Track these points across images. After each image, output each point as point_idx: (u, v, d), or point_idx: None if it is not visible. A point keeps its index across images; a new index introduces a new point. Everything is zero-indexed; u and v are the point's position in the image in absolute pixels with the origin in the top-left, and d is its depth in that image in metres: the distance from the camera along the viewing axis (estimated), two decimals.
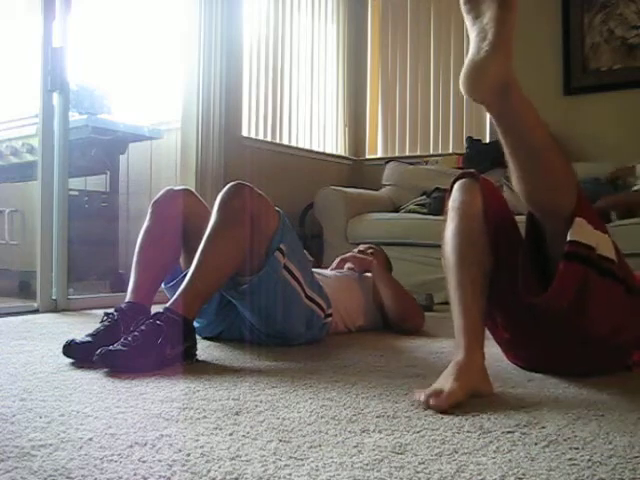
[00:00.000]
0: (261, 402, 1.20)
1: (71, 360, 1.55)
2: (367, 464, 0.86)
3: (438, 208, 3.51)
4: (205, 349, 1.78)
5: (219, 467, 0.83)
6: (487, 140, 4.24)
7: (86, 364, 1.49)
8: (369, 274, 2.29)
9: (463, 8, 1.20)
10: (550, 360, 1.49)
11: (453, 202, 1.43)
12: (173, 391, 1.27)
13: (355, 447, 0.93)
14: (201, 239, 1.65)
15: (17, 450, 0.89)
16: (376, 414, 1.13)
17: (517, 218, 1.48)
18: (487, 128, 4.37)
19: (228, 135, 3.64)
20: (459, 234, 1.38)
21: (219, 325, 1.97)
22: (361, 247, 2.48)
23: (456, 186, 1.45)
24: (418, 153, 4.69)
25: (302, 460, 0.87)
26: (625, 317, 1.40)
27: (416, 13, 4.73)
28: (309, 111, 4.57)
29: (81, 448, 0.90)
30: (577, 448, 0.94)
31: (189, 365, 1.54)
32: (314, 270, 2.02)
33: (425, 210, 3.71)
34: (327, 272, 2.28)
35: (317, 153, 4.60)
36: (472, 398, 1.20)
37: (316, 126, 4.65)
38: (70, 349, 1.55)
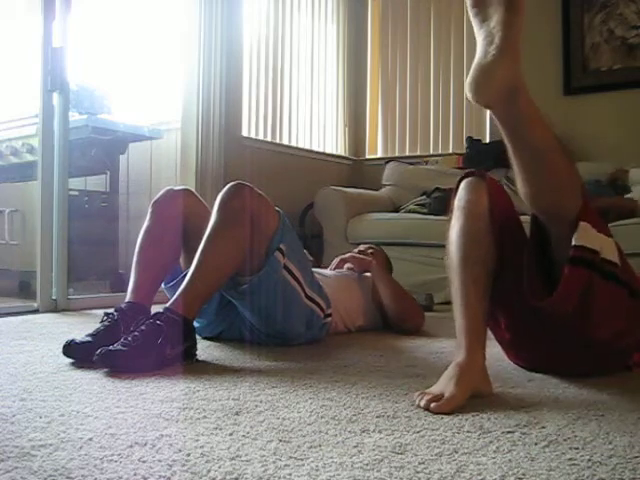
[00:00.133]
0: (261, 402, 1.20)
1: (71, 360, 1.55)
2: (367, 464, 0.86)
3: (438, 208, 3.51)
4: (205, 349, 1.78)
5: (219, 467, 0.83)
6: (487, 140, 4.24)
7: (86, 364, 1.48)
8: (369, 274, 2.29)
9: (470, 12, 1.18)
10: (551, 361, 1.48)
11: (459, 201, 1.42)
12: (173, 391, 1.27)
13: (355, 447, 0.93)
14: (201, 239, 1.65)
15: (17, 450, 0.89)
16: (376, 414, 1.13)
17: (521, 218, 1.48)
18: (487, 128, 4.37)
19: (228, 135, 3.64)
20: (465, 233, 1.37)
21: (219, 325, 1.97)
22: (361, 247, 2.47)
23: (462, 185, 1.43)
24: (418, 153, 4.69)
25: (302, 460, 0.87)
26: (628, 320, 1.40)
27: (416, 13, 4.73)
28: (309, 111, 4.57)
29: (81, 448, 0.90)
30: (577, 448, 0.94)
31: (189, 365, 1.54)
32: (314, 270, 2.02)
33: (425, 210, 3.70)
34: (327, 272, 2.28)
35: (317, 153, 4.60)
36: (472, 398, 1.20)
37: (316, 126, 4.64)
38: (70, 349, 1.55)
